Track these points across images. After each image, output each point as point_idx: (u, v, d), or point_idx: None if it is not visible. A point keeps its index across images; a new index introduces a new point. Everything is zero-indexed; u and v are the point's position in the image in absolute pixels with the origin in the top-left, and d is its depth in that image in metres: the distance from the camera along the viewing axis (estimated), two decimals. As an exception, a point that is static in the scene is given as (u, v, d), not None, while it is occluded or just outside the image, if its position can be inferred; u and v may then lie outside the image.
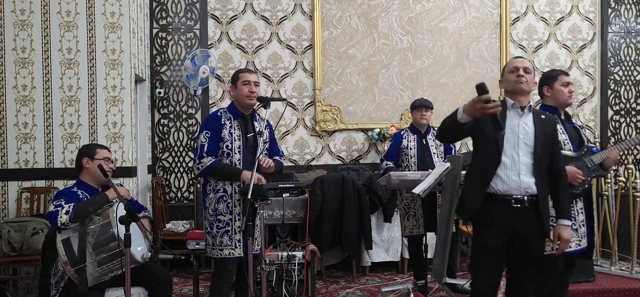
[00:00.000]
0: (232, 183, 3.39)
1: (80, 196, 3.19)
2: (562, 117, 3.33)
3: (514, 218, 2.78)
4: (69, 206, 3.01)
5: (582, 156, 3.25)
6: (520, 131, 2.83)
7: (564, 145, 3.23)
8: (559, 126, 3.26)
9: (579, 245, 3.20)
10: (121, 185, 3.70)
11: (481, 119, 2.68)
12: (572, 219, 3.16)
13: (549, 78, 3.35)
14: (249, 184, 3.04)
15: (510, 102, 2.89)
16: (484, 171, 2.82)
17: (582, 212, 3.23)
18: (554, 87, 3.31)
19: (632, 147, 3.36)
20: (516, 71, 2.88)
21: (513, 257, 2.86)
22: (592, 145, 3.33)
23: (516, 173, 2.78)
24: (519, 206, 2.78)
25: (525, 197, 2.79)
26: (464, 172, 3.84)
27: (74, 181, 3.32)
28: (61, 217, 2.99)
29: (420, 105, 4.56)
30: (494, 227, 2.79)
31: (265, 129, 3.48)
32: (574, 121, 3.44)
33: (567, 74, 3.37)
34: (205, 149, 3.37)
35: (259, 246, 3.45)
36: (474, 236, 2.92)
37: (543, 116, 2.94)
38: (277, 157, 3.64)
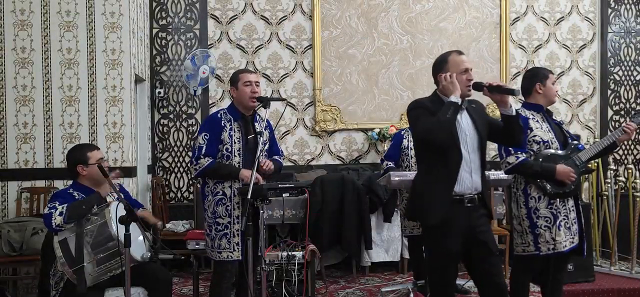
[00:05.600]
0: (232, 186, 3.36)
1: (76, 197, 3.19)
2: (546, 114, 3.34)
3: (468, 218, 2.78)
4: (63, 207, 3.01)
5: (570, 154, 3.25)
6: (464, 128, 2.81)
7: (551, 143, 3.23)
8: (544, 124, 3.27)
9: (573, 242, 3.21)
10: (120, 184, 3.69)
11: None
12: (565, 217, 3.17)
13: (541, 76, 3.33)
14: (249, 184, 3.04)
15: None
16: (449, 172, 2.76)
17: (573, 210, 3.24)
18: (547, 85, 3.32)
19: (619, 139, 3.38)
20: (467, 72, 2.80)
21: (474, 259, 2.83)
22: (577, 142, 3.33)
23: (468, 172, 2.79)
24: (471, 205, 2.79)
25: (475, 196, 2.81)
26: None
27: (71, 182, 3.32)
28: (55, 219, 2.99)
29: None
30: (452, 229, 2.76)
31: (265, 129, 3.47)
32: (555, 117, 3.44)
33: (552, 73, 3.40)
34: (203, 151, 3.34)
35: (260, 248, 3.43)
36: (432, 243, 2.86)
37: (474, 105, 2.92)
38: (276, 157, 3.63)
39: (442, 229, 2.77)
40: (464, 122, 2.81)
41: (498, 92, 2.81)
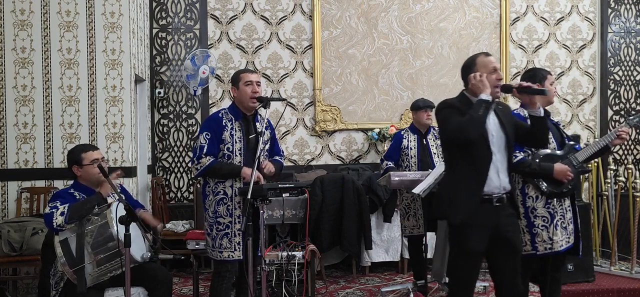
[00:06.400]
0: (232, 185, 3.36)
1: (77, 197, 3.19)
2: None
3: (496, 217, 2.79)
4: (64, 208, 3.01)
5: (567, 154, 3.27)
6: (491, 128, 2.83)
7: (549, 143, 3.24)
8: None
9: (568, 242, 3.22)
10: (121, 185, 3.68)
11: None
12: (562, 217, 3.18)
13: (540, 77, 3.34)
14: (249, 184, 3.04)
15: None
16: (478, 171, 2.78)
17: (569, 210, 3.25)
18: (545, 86, 3.32)
19: (611, 143, 3.39)
20: (496, 71, 2.84)
21: (498, 256, 2.85)
22: (574, 142, 3.35)
23: (495, 172, 2.81)
24: (499, 204, 2.81)
25: (504, 195, 2.83)
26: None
27: (72, 182, 3.32)
28: (56, 219, 2.98)
29: (426, 106, 4.54)
30: (478, 229, 2.77)
31: (266, 129, 3.47)
32: (552, 118, 3.46)
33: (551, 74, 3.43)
34: (205, 150, 3.35)
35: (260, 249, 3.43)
36: (457, 241, 2.86)
37: (500, 106, 2.95)
38: (277, 157, 3.64)
39: (469, 227, 2.77)
40: (491, 123, 2.83)
41: (527, 93, 2.85)
